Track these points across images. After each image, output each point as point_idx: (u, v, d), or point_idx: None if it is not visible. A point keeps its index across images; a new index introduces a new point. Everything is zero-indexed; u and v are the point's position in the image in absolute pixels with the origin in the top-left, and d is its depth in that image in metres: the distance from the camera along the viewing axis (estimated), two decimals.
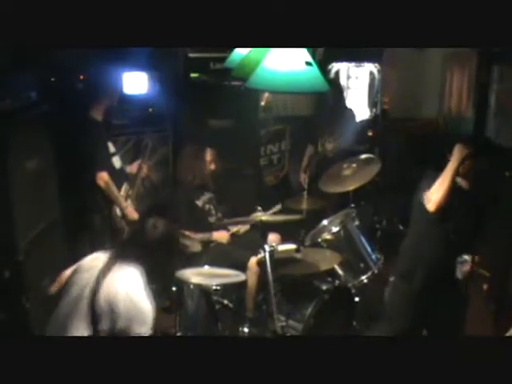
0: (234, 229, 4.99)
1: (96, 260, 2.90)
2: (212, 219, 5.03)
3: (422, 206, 3.45)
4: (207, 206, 5.04)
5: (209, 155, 4.99)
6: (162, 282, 3.06)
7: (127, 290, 2.73)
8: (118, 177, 4.99)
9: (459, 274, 3.55)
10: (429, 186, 3.40)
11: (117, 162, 5.04)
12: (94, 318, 2.72)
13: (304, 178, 5.97)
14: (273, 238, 4.82)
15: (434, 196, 3.29)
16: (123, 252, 2.88)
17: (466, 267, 3.51)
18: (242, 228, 4.99)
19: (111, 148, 5.01)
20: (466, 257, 3.52)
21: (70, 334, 2.72)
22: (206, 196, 5.06)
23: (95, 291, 2.74)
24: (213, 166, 5.00)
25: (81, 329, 2.72)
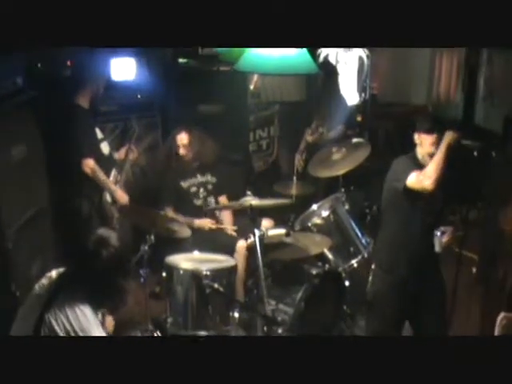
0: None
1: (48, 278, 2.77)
2: (198, 202, 5.02)
3: (397, 192, 3.56)
4: (194, 189, 5.03)
5: (181, 139, 4.97)
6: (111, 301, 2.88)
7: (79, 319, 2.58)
8: (107, 163, 4.96)
9: (438, 247, 3.57)
10: (405, 173, 3.52)
11: (105, 147, 5.01)
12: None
13: (299, 160, 5.91)
14: (266, 223, 4.82)
15: (432, 175, 3.41)
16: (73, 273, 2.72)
17: (445, 238, 3.55)
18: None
19: (99, 134, 4.98)
20: (443, 228, 3.57)
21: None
22: (198, 179, 5.06)
23: (47, 309, 2.60)
24: (182, 151, 4.98)
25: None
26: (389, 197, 3.72)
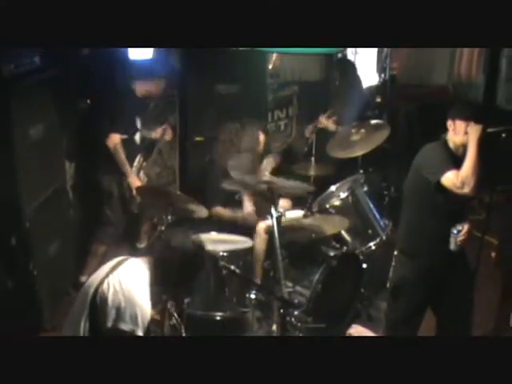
0: None
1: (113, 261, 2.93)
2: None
3: (429, 183, 3.41)
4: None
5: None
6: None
7: (129, 286, 2.72)
8: (136, 150, 5.01)
9: (453, 246, 3.48)
10: (441, 167, 3.36)
11: (138, 137, 5.05)
12: (93, 309, 2.72)
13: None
14: (284, 203, 4.78)
15: (471, 181, 3.25)
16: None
17: (460, 237, 3.45)
18: None
19: (138, 123, 5.02)
20: (460, 227, 3.45)
21: (75, 327, 2.74)
22: None
23: (101, 282, 2.75)
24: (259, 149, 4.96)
25: (82, 321, 2.74)
26: (417, 184, 3.57)
